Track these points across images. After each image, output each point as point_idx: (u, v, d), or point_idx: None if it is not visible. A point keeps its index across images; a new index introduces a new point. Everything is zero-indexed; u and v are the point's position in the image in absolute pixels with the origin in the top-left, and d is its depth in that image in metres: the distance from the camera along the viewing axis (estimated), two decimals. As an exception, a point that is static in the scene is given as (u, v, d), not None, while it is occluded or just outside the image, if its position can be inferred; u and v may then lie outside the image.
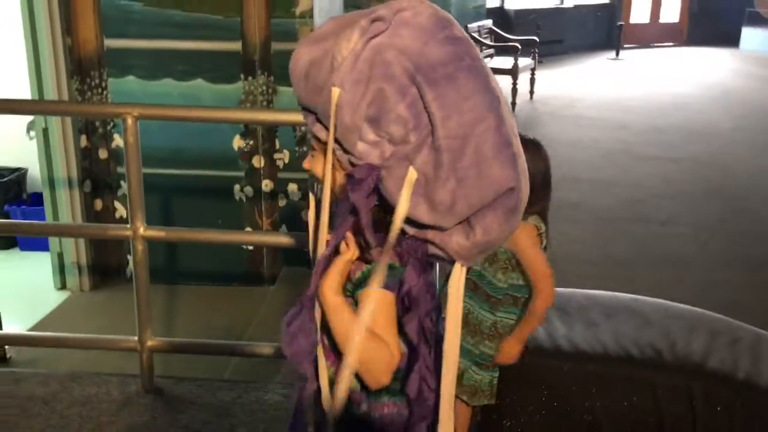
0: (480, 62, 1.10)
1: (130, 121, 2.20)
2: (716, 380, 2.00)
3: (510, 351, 2.02)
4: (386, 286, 1.12)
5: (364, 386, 1.22)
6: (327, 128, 1.09)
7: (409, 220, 1.09)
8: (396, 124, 1.03)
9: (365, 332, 1.11)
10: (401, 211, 1.06)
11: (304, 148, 3.68)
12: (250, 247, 3.84)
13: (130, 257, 3.87)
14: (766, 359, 2.10)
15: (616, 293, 2.50)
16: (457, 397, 1.92)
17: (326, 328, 1.21)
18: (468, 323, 2.01)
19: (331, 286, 1.15)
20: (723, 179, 5.70)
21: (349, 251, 1.15)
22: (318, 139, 1.14)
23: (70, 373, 2.62)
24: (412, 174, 1.04)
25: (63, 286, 3.85)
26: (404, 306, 1.16)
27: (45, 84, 3.58)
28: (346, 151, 1.09)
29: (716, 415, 1.96)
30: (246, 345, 2.65)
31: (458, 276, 1.13)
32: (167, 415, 2.38)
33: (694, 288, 3.59)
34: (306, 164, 1.20)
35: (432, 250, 1.14)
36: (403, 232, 1.11)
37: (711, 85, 10.28)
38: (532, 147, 1.89)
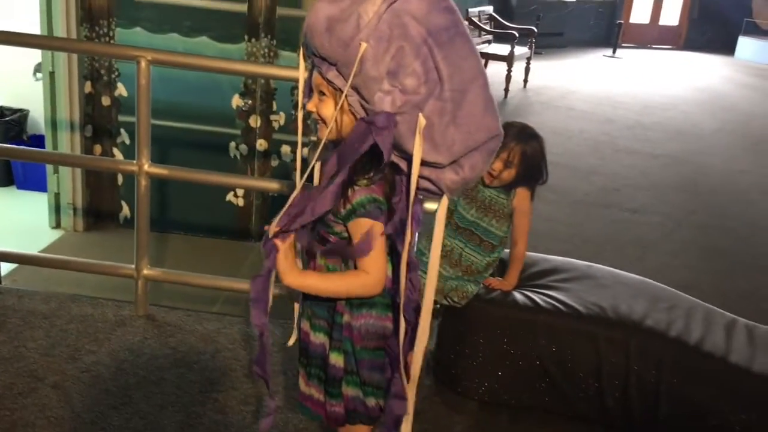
0: (466, 29, 1.33)
1: (143, 64, 2.38)
2: (651, 336, 2.24)
3: (505, 286, 2.44)
4: (374, 216, 1.34)
5: (348, 301, 1.44)
6: (344, 75, 1.27)
7: (409, 158, 1.30)
8: (411, 77, 1.24)
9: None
10: (418, 151, 1.27)
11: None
12: (240, 204, 4.01)
13: (123, 203, 4.08)
14: (697, 322, 2.34)
15: (574, 260, 2.74)
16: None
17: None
18: (461, 263, 2.40)
19: (290, 273, 1.35)
20: (697, 176, 5.95)
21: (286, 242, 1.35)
22: (332, 85, 1.31)
23: (69, 295, 2.83)
24: (422, 120, 1.26)
25: (57, 225, 3.98)
26: (395, 231, 1.38)
27: (55, 29, 3.68)
28: (361, 97, 1.29)
29: (648, 366, 2.21)
30: (235, 281, 2.84)
31: (444, 205, 1.39)
32: (157, 337, 2.60)
33: (654, 268, 3.84)
34: (311, 106, 1.37)
35: (424, 185, 1.37)
36: (397, 168, 1.34)
37: (701, 89, 10.51)
38: (532, 134, 2.35)
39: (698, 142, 7.16)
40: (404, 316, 1.40)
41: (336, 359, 1.49)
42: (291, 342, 1.64)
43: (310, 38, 1.29)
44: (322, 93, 1.35)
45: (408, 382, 1.44)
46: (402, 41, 1.23)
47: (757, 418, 2.09)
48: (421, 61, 1.24)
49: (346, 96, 1.30)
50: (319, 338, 1.51)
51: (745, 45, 14.77)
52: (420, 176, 1.33)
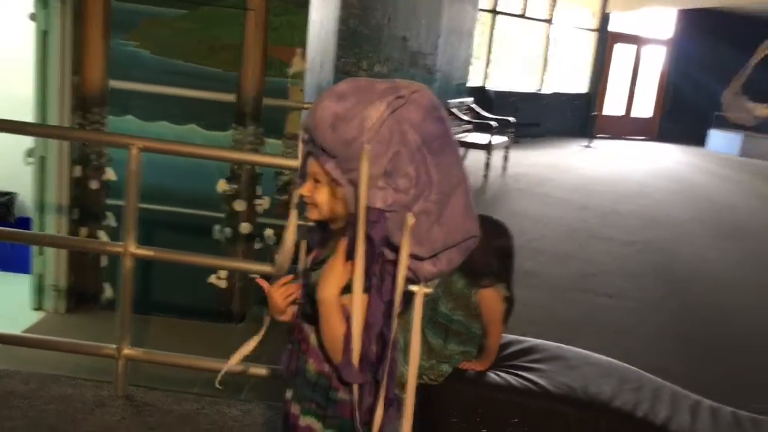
0: (455, 138, 1.49)
1: (134, 151, 2.51)
2: (619, 417, 2.30)
3: (478, 367, 2.53)
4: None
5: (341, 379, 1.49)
6: (342, 169, 1.39)
7: (393, 248, 1.42)
8: (404, 179, 1.38)
9: (343, 326, 1.42)
10: (406, 248, 1.39)
11: (284, 196, 3.98)
12: (223, 285, 4.07)
13: (107, 285, 4.11)
14: (664, 403, 2.41)
15: (545, 341, 2.82)
16: None
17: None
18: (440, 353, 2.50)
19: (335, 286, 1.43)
20: (671, 263, 6.11)
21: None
22: (329, 175, 1.42)
23: (49, 375, 2.84)
24: (410, 219, 1.39)
25: (39, 307, 3.97)
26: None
27: (49, 116, 3.80)
28: (353, 188, 1.39)
29: (617, 447, 2.26)
30: (215, 361, 2.87)
31: (421, 293, 1.50)
32: (135, 417, 2.61)
33: (629, 353, 3.89)
34: (305, 191, 1.47)
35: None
36: (383, 256, 1.44)
37: (675, 179, 10.87)
38: (500, 228, 2.46)
39: (671, 230, 7.37)
40: (386, 394, 1.46)
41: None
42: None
43: (314, 130, 1.41)
44: (317, 180, 1.45)
45: None
46: (400, 146, 1.37)
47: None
48: (415, 166, 1.38)
49: (340, 186, 1.41)
50: (306, 421, 1.54)
51: (716, 137, 15.36)
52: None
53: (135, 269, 2.75)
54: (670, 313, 4.80)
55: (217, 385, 1.70)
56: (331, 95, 1.41)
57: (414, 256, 1.43)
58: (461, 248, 1.47)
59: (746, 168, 12.92)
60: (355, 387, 1.45)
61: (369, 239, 1.38)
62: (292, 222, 1.60)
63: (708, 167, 12.58)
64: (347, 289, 1.42)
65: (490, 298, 2.46)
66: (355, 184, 1.39)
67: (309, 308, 1.52)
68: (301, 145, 1.51)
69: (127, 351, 2.73)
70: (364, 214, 1.37)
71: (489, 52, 13.44)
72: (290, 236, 1.60)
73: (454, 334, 2.49)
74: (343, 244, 1.43)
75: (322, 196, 1.45)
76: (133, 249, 2.66)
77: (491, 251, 2.41)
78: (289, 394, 1.61)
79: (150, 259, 2.92)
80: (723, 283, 5.66)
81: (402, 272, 1.40)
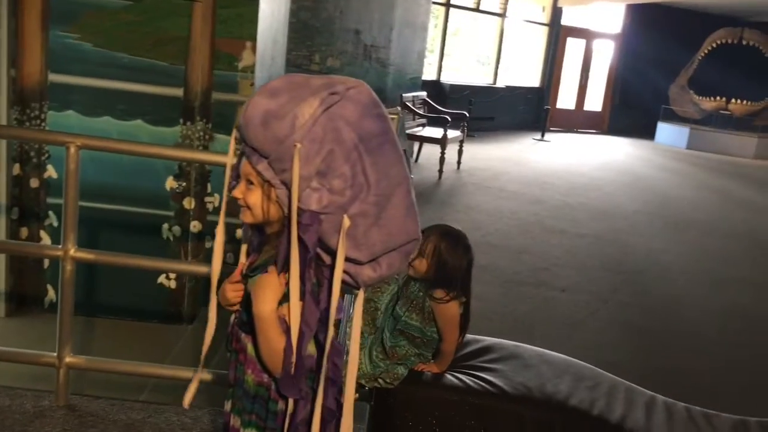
0: (396, 136, 1.42)
1: (72, 149, 2.39)
2: (575, 415, 2.29)
3: (434, 369, 2.50)
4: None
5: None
6: (274, 169, 1.33)
7: (330, 252, 1.36)
8: (339, 179, 1.31)
9: (282, 340, 1.36)
10: (341, 252, 1.33)
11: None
12: (172, 286, 3.96)
13: (50, 287, 3.96)
14: (619, 400, 2.41)
15: (502, 340, 2.80)
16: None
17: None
18: (395, 354, 2.46)
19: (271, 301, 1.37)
20: (621, 255, 6.20)
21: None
22: (261, 176, 1.36)
23: (-16, 385, 2.70)
24: (346, 221, 1.32)
25: (-22, 311, 3.84)
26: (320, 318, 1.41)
27: None
28: (289, 191, 1.33)
29: (573, 446, 2.25)
30: (163, 367, 2.77)
31: (361, 298, 1.44)
32: (78, 428, 2.49)
33: (581, 346, 3.94)
34: (237, 193, 1.41)
35: (342, 278, 1.40)
36: (321, 260, 1.38)
37: (624, 171, 11.06)
38: (461, 243, 2.40)
39: (621, 222, 7.49)
40: (324, 404, 1.41)
41: None
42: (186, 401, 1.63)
43: (245, 129, 1.34)
44: (250, 182, 1.39)
45: None
46: (334, 144, 1.30)
47: (678, 495, 2.15)
48: (350, 166, 1.31)
49: (273, 188, 1.35)
50: None
51: (664, 130, 15.71)
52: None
53: (79, 271, 2.63)
54: (621, 305, 4.87)
55: (186, 406, 1.61)
56: (264, 92, 1.35)
57: (352, 261, 1.37)
58: (402, 252, 1.40)
59: (693, 160, 13.25)
60: (290, 400, 1.40)
61: (302, 243, 1.32)
62: (219, 227, 1.52)
63: (656, 160, 12.86)
64: (285, 297, 1.35)
65: (447, 306, 2.42)
66: (288, 185, 1.32)
67: (245, 316, 1.46)
68: (232, 144, 1.44)
69: (68, 359, 2.61)
70: (295, 217, 1.31)
71: (443, 45, 13.47)
72: (219, 240, 1.53)
73: (408, 336, 2.45)
74: (273, 254, 1.37)
75: (255, 198, 1.38)
76: (73, 252, 2.54)
77: (457, 266, 2.37)
78: (228, 405, 1.55)
79: (92, 263, 2.79)
80: (672, 274, 5.77)
81: (338, 277, 1.34)
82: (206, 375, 2.65)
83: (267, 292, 1.35)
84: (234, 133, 1.43)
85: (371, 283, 1.43)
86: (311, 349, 1.42)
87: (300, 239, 1.31)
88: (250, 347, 1.46)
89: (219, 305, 1.55)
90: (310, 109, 1.29)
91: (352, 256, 1.36)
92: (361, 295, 1.44)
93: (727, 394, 3.60)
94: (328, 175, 1.31)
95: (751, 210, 8.94)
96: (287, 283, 1.33)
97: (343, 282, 1.43)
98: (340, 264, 1.34)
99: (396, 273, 1.47)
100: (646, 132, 15.89)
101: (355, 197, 1.32)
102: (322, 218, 1.32)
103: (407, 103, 9.18)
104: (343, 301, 1.51)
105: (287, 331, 1.35)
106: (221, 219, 1.52)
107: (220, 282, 1.54)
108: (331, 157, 1.30)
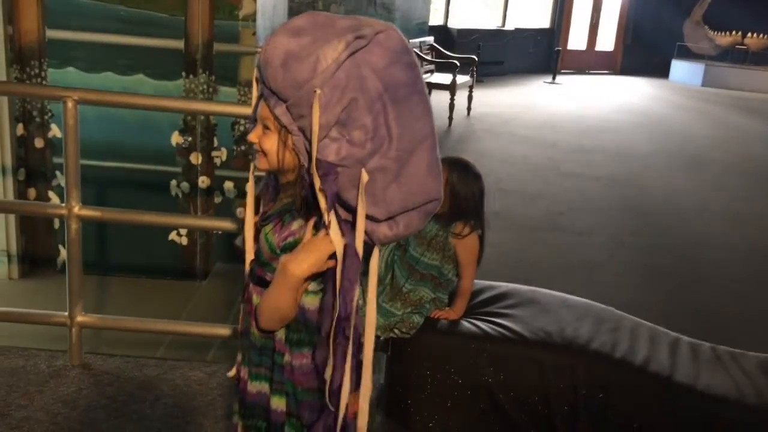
0: (425, 87, 1.32)
1: (70, 104, 2.31)
2: (597, 359, 2.24)
3: (452, 315, 2.45)
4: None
5: (287, 338, 1.39)
6: (292, 114, 1.24)
7: (348, 207, 1.28)
8: (359, 130, 1.21)
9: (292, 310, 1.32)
10: (362, 208, 1.25)
11: (242, 147, 3.82)
12: (184, 242, 3.93)
13: (61, 247, 3.94)
14: (642, 342, 2.36)
15: (519, 285, 2.74)
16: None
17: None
18: (410, 299, 2.40)
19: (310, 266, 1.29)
20: (637, 197, 6.09)
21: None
22: (279, 121, 1.27)
23: (-1, 347, 2.70)
24: (364, 176, 1.23)
25: (-10, 275, 3.82)
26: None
27: None
28: (306, 140, 1.25)
29: (595, 390, 2.21)
30: (176, 323, 2.75)
31: (377, 256, 1.36)
32: (93, 387, 2.48)
33: (601, 290, 3.88)
34: (253, 137, 1.32)
35: None
36: (338, 214, 1.31)
37: (637, 111, 10.84)
38: (471, 171, 2.36)
39: (637, 164, 7.35)
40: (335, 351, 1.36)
41: (278, 403, 1.44)
42: (231, 373, 1.58)
43: (264, 69, 1.26)
44: (266, 126, 1.31)
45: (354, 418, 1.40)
46: (357, 93, 1.20)
47: (703, 435, 2.11)
48: (373, 117, 1.22)
49: (290, 134, 1.27)
50: (256, 387, 1.45)
51: (678, 68, 15.35)
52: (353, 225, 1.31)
53: (89, 230, 2.58)
54: (639, 248, 4.79)
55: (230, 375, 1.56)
56: (286, 30, 1.24)
57: (369, 218, 1.28)
58: (422, 212, 1.31)
59: (709, 98, 12.95)
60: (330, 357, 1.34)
61: (313, 189, 1.24)
62: (251, 173, 1.45)
63: (671, 99, 12.59)
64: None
65: (468, 239, 2.38)
66: (306, 132, 1.24)
67: (256, 267, 1.40)
68: (255, 86, 1.35)
69: (80, 318, 2.59)
70: (315, 168, 1.23)
71: (450, -12, 13.13)
72: (250, 189, 1.46)
73: (426, 278, 2.40)
74: (287, 203, 1.31)
75: (271, 143, 1.30)
76: (78, 210, 2.48)
77: (470, 194, 2.34)
78: (239, 357, 1.51)
79: (98, 220, 2.75)
80: (689, 215, 5.66)
81: (360, 234, 1.26)
82: (224, 330, 2.63)
83: (311, 256, 1.28)
84: (255, 73, 1.33)
85: (387, 242, 1.35)
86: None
87: (319, 190, 1.24)
88: (255, 298, 1.41)
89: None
90: (334, 52, 1.19)
91: (369, 212, 1.27)
92: (376, 254, 1.37)
93: (754, 334, 3.54)
94: (349, 125, 1.22)
95: (769, 146, 8.76)
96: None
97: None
98: (361, 222, 1.26)
99: (414, 233, 1.37)
100: (660, 71, 15.53)
101: (376, 151, 1.23)
102: (339, 170, 1.24)
103: (414, 49, 8.98)
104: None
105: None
106: (252, 165, 1.44)
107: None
108: (353, 106, 1.21)
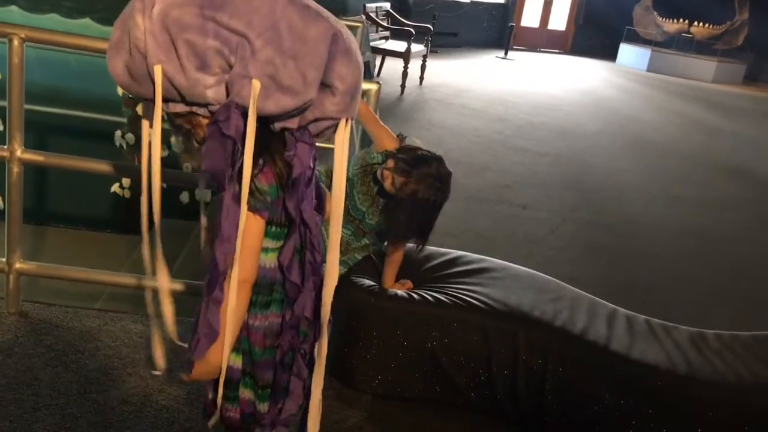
0: None
1: (16, 42, 2.21)
2: (538, 326, 2.31)
3: (386, 284, 2.44)
4: (255, 210, 1.29)
5: (253, 303, 1.39)
6: (178, 101, 1.22)
7: (282, 117, 1.24)
8: (216, 57, 1.17)
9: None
10: (252, 114, 1.19)
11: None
12: (126, 195, 3.84)
13: (-2, 193, 3.80)
14: (581, 313, 2.44)
15: (468, 253, 2.78)
16: None
17: None
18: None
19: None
20: (581, 174, 6.23)
21: None
22: (179, 116, 1.26)
23: (-71, 292, 2.59)
24: (256, 85, 1.18)
25: None
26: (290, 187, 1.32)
27: None
28: (200, 105, 1.23)
29: (535, 356, 2.27)
30: (117, 275, 2.69)
31: (343, 129, 1.31)
32: (30, 335, 2.42)
33: (542, 262, 3.98)
34: (198, 147, 1.31)
35: (321, 126, 1.30)
36: (286, 131, 1.28)
37: (585, 91, 11.03)
38: (440, 201, 2.29)
39: (582, 142, 7.50)
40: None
41: (234, 360, 1.45)
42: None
43: (129, 91, 1.26)
44: (188, 127, 1.30)
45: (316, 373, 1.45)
46: (184, 34, 1.16)
47: (634, 403, 2.19)
48: (213, 37, 1.17)
49: (197, 113, 1.25)
50: None
51: (626, 52, 15.64)
52: (311, 121, 1.28)
53: (29, 178, 2.49)
54: (580, 224, 4.91)
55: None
56: (111, 50, 1.23)
57: (306, 107, 1.24)
58: (337, 55, 1.23)
59: (653, 83, 13.27)
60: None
61: (229, 140, 1.21)
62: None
63: (617, 81, 12.84)
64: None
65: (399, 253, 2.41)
66: (198, 102, 1.22)
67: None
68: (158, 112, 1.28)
69: (18, 265, 2.51)
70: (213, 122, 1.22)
71: (408, -45, 12.97)
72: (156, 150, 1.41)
73: (364, 232, 2.41)
74: None
75: (204, 130, 1.28)
76: (20, 153, 2.39)
77: (420, 220, 2.28)
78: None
79: (40, 165, 2.65)
80: (629, 194, 5.83)
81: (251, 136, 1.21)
82: (177, 285, 2.59)
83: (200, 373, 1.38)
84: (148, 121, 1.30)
85: (345, 107, 1.28)
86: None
87: (226, 137, 1.21)
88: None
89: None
90: (138, 29, 1.17)
91: (300, 103, 1.21)
92: (342, 125, 1.30)
93: (683, 309, 3.70)
94: (206, 61, 1.18)
95: (708, 133, 9.04)
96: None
97: (322, 130, 1.32)
98: (252, 132, 1.20)
99: (353, 81, 1.26)
100: (609, 53, 15.81)
101: (245, 57, 1.18)
102: (236, 100, 1.19)
103: (370, 14, 8.89)
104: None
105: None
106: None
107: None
108: (191, 46, 1.16)
